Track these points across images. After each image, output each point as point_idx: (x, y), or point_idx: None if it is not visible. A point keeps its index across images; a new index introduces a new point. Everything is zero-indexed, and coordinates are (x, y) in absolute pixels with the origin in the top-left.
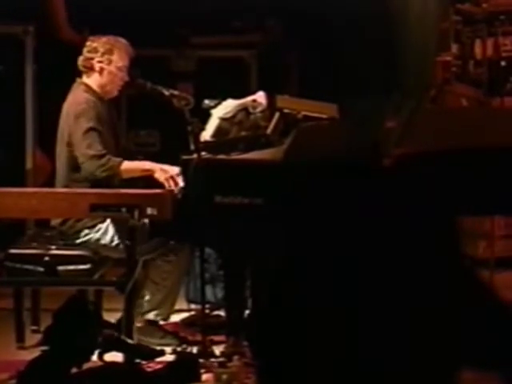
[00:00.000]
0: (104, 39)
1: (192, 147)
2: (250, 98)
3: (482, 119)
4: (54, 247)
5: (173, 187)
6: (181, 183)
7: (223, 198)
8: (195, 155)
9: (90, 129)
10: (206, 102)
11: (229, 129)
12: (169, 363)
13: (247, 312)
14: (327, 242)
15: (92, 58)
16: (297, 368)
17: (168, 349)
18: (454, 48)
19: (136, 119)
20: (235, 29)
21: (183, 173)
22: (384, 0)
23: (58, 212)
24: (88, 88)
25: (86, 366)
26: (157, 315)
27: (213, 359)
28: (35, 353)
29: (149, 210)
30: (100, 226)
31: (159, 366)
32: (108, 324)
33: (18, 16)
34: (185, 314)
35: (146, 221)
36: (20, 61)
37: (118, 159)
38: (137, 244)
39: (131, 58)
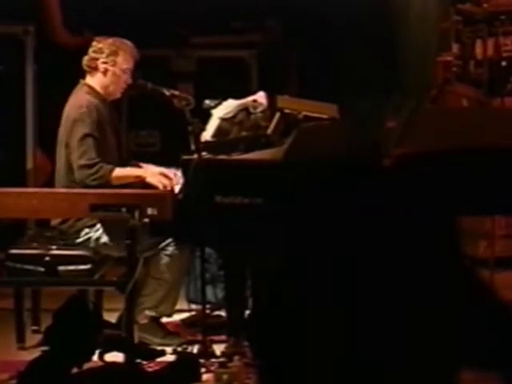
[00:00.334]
0: (110, 40)
1: (192, 147)
2: (250, 98)
3: (482, 119)
4: (54, 247)
5: (168, 186)
6: (175, 180)
7: (223, 198)
8: (196, 155)
9: (86, 135)
10: (207, 102)
11: (229, 129)
12: (169, 363)
13: (248, 312)
14: (327, 242)
15: (97, 59)
16: (297, 368)
17: (168, 349)
18: (455, 48)
19: (136, 119)
20: (235, 29)
21: (183, 173)
22: (384, 0)
23: (58, 212)
24: (91, 89)
25: (86, 366)
26: (159, 312)
27: (213, 359)
28: (35, 353)
29: (149, 210)
30: (100, 224)
31: (160, 366)
32: (108, 324)
33: (18, 16)
34: (185, 314)
35: (147, 221)
36: (20, 61)
37: (109, 167)
38: (137, 243)
39: (136, 61)
